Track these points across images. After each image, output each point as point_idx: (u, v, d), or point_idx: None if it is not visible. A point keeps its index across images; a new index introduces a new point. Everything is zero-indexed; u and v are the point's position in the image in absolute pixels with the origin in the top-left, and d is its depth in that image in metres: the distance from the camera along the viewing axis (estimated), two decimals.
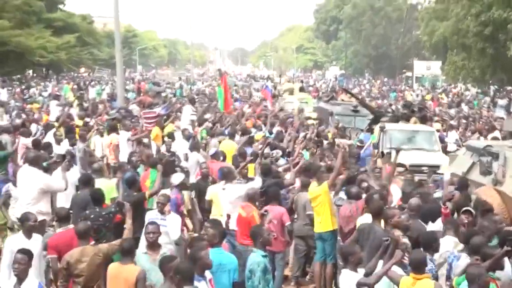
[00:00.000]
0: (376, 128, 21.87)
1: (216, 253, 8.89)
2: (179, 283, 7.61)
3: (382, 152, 14.97)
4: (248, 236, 9.97)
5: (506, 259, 8.64)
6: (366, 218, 10.67)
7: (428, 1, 78.00)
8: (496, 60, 45.80)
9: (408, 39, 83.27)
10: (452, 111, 36.02)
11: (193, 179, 15.46)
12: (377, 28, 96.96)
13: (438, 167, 18.17)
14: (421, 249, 9.05)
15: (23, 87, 48.13)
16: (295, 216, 13.20)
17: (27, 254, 8.32)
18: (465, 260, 8.95)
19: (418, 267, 8.17)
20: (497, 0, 41.04)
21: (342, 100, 32.13)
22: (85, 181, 12.58)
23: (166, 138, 19.65)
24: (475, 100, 47.19)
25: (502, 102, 36.70)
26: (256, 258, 9.09)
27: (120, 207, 10.81)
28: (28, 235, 9.74)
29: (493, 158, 14.62)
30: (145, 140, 18.27)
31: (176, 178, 13.15)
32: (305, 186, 12.98)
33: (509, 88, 41.85)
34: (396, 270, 8.40)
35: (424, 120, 24.19)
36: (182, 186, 13.18)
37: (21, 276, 8.19)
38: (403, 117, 23.84)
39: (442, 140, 22.90)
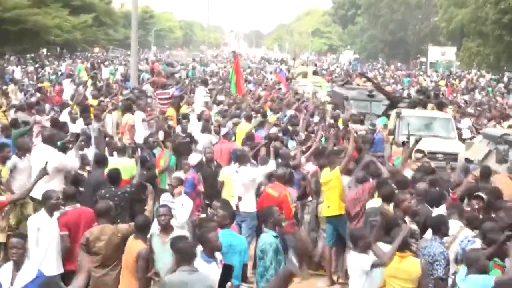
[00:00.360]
0: (392, 113, 21.67)
1: (226, 234, 8.90)
2: (177, 261, 7.65)
3: (403, 142, 14.70)
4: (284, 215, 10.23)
5: None
6: (375, 202, 10.76)
7: None
8: None
9: (426, 25, 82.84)
10: (466, 98, 35.87)
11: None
12: (395, 14, 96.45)
13: (454, 154, 17.84)
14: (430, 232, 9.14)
15: (37, 65, 48.17)
16: (309, 199, 13.33)
17: (23, 238, 8.10)
18: (479, 245, 8.92)
19: (402, 247, 8.52)
20: None
21: (357, 84, 31.73)
22: (100, 161, 12.61)
23: (182, 119, 19.62)
24: (489, 87, 46.96)
25: None
26: (268, 238, 9.17)
27: (142, 188, 10.81)
28: (51, 213, 9.70)
29: (510, 147, 14.63)
30: (170, 122, 18.33)
31: (193, 158, 13.12)
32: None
33: None
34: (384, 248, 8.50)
35: (440, 106, 24.04)
36: (199, 167, 13.12)
37: (18, 261, 7.79)
38: (420, 103, 23.64)
39: (456, 127, 22.73)
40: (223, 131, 17.14)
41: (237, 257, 9.02)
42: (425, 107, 23.34)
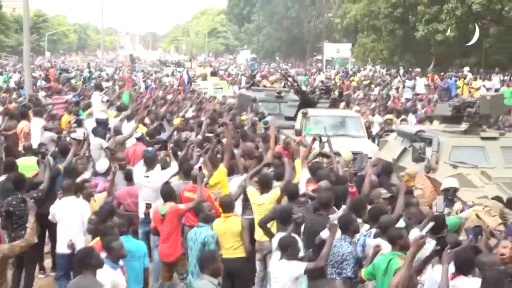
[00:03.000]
0: (299, 114, 21.13)
1: (124, 241, 8.82)
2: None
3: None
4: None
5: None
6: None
7: None
8: (405, 41, 46.72)
9: (320, 22, 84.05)
10: (361, 93, 36.39)
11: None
12: (290, 11, 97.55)
13: (361, 154, 17.32)
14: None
15: None
16: None
17: None
18: (377, 240, 8.84)
19: (225, 206, 10.24)
20: None
21: (264, 86, 30.90)
22: (9, 167, 12.48)
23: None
24: (384, 82, 47.89)
25: (409, 83, 37.24)
26: (209, 231, 9.93)
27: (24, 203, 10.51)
28: None
29: (426, 144, 14.29)
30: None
31: (101, 165, 12.86)
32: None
33: (417, 69, 42.68)
34: None
35: (347, 104, 24.14)
36: (107, 173, 12.80)
37: None
38: (334, 102, 23.45)
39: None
40: (137, 134, 16.87)
41: (138, 262, 9.22)
42: (337, 106, 23.24)
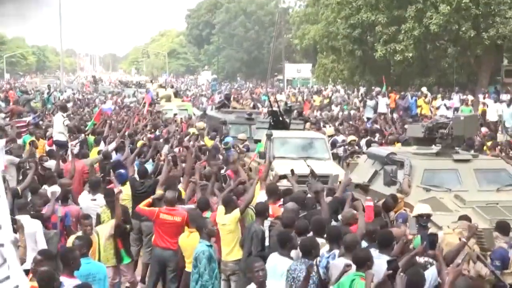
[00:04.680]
0: (263, 136, 20.21)
1: (84, 263, 8.85)
2: None
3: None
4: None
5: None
6: None
7: (298, 6, 79.52)
8: (364, 61, 47.09)
9: (280, 42, 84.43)
10: (323, 114, 36.56)
11: None
12: (249, 32, 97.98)
13: (327, 176, 16.05)
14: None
15: None
16: None
17: None
18: (342, 260, 8.77)
19: (191, 221, 10.71)
20: (365, 3, 42.15)
21: (234, 107, 30.52)
22: None
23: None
24: (344, 101, 48.20)
25: (370, 103, 37.53)
26: (201, 247, 10.12)
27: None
28: None
29: (398, 167, 14.07)
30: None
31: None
32: None
33: (377, 89, 43.07)
34: None
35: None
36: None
37: None
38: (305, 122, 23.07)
39: (334, 144, 22.39)
40: (75, 150, 16.95)
41: (97, 285, 9.11)
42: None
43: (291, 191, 12.74)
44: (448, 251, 9.36)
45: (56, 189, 12.62)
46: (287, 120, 21.83)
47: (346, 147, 21.74)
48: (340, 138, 23.90)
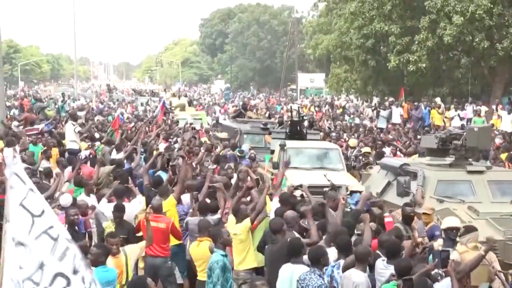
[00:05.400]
0: (276, 146, 20.34)
1: (101, 271, 8.96)
2: None
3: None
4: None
5: None
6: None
7: (312, 15, 79.63)
8: (378, 72, 47.05)
9: (293, 52, 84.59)
10: (337, 123, 36.47)
11: None
12: (262, 42, 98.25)
13: (341, 187, 16.40)
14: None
15: None
16: None
17: None
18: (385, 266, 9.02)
19: (200, 231, 10.76)
20: (379, 13, 42.18)
21: (250, 117, 30.04)
22: None
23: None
24: (358, 111, 48.19)
25: (384, 113, 37.49)
26: (216, 257, 9.98)
27: None
28: None
29: (411, 178, 14.03)
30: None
31: (65, 199, 12.44)
32: None
33: (390, 99, 43.05)
34: None
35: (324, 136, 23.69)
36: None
37: None
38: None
39: (346, 157, 22.02)
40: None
41: None
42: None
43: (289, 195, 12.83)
44: (464, 265, 9.30)
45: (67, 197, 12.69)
46: (304, 131, 21.73)
47: (360, 157, 21.69)
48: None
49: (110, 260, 9.60)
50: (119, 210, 11.68)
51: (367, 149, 22.51)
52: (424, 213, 12.22)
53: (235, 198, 12.25)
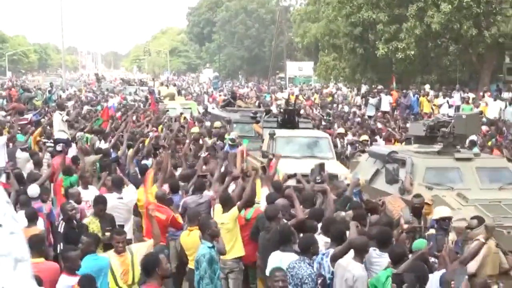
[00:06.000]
0: (266, 134, 20.21)
1: (91, 259, 9.02)
2: None
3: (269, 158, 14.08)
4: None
5: None
6: None
7: (299, 4, 79.62)
8: (366, 60, 47.13)
9: (281, 40, 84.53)
10: (329, 111, 36.46)
11: None
12: (250, 30, 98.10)
13: (333, 175, 15.84)
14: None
15: None
16: None
17: None
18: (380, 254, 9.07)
19: (190, 220, 10.80)
20: (366, 1, 42.21)
21: (239, 106, 29.53)
22: None
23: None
24: (346, 99, 48.27)
25: (372, 101, 37.58)
26: (202, 250, 9.80)
27: None
28: None
29: (400, 165, 14.08)
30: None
31: (33, 189, 12.36)
32: None
33: (379, 87, 43.15)
34: None
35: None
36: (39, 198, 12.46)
37: None
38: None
39: (335, 145, 21.87)
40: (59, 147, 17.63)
41: (105, 278, 9.17)
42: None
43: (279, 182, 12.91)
44: (467, 253, 9.42)
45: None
46: (296, 119, 21.68)
47: (357, 146, 21.66)
48: (349, 137, 23.89)
49: (115, 259, 9.39)
50: (102, 202, 11.42)
51: (364, 137, 22.44)
52: (426, 203, 12.09)
53: (222, 187, 12.28)
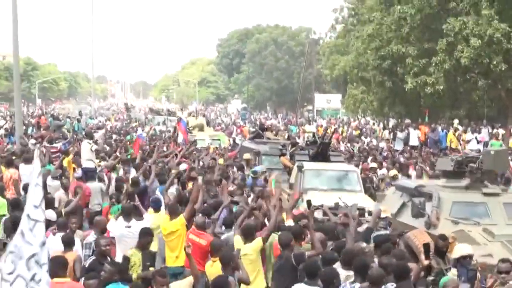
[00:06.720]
0: (294, 167, 20.19)
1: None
2: None
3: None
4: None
5: None
6: None
7: (329, 36, 79.79)
8: (394, 93, 46.99)
9: (310, 73, 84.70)
10: (356, 144, 36.38)
11: None
12: (279, 62, 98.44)
13: (360, 209, 15.64)
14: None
15: None
16: None
17: None
18: None
19: (214, 250, 10.51)
20: (396, 35, 42.23)
21: (268, 138, 29.25)
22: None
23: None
24: (374, 133, 48.10)
25: (401, 135, 37.46)
26: None
27: None
28: None
29: (426, 199, 13.99)
30: None
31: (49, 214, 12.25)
32: None
33: (407, 121, 42.98)
34: None
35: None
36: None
37: None
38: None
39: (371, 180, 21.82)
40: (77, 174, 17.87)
41: None
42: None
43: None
44: None
45: None
46: (328, 153, 21.59)
47: (389, 181, 21.55)
48: (382, 171, 23.76)
49: None
50: (151, 234, 11.46)
51: (394, 172, 22.35)
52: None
53: (240, 218, 12.23)
